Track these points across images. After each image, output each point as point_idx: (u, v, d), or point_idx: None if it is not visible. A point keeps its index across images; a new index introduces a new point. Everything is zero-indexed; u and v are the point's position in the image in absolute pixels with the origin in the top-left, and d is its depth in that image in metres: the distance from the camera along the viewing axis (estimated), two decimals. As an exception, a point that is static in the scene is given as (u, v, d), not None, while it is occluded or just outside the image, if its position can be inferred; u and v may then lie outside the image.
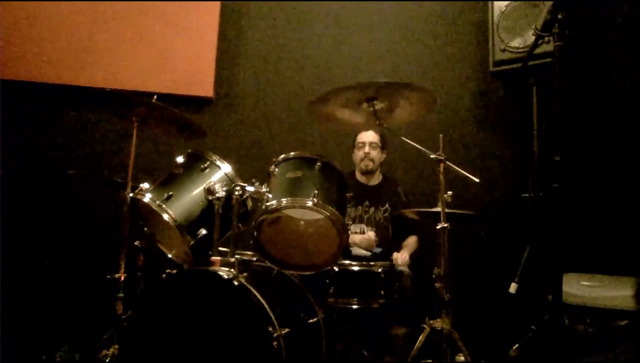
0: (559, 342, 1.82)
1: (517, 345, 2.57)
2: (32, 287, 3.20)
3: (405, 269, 2.68)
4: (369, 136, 3.06)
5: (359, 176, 3.15)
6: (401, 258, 2.78)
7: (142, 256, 2.54)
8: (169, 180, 2.27)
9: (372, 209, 3.06)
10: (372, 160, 3.07)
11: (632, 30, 3.10)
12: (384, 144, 3.11)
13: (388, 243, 3.01)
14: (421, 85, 2.22)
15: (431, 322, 2.31)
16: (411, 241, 3.05)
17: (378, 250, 2.93)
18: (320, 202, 2.08)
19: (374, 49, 3.73)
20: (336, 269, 2.36)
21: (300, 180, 2.20)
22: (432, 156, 2.31)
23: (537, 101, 2.96)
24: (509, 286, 2.73)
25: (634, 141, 3.00)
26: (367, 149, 3.05)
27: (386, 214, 3.06)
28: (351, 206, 2.99)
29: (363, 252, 2.87)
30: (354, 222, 3.02)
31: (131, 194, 2.26)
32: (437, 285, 2.29)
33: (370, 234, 2.91)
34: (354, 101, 2.27)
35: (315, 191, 2.08)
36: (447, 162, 2.33)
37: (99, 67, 3.47)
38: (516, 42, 3.11)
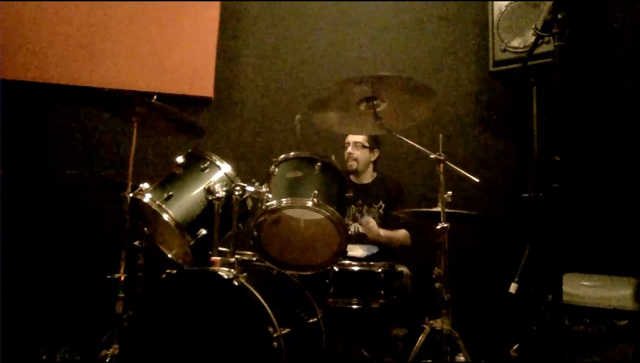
0: (559, 342, 1.82)
1: (517, 345, 2.57)
2: (32, 287, 3.20)
3: (405, 269, 2.67)
4: (353, 136, 3.05)
5: (352, 176, 3.15)
6: (371, 224, 2.81)
7: (142, 256, 2.54)
8: (169, 180, 2.27)
9: (365, 208, 3.05)
10: (355, 160, 3.05)
11: (632, 29, 3.10)
12: (373, 144, 3.09)
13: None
14: (415, 79, 2.22)
15: (431, 322, 2.31)
16: (401, 232, 2.98)
17: (374, 249, 2.92)
18: (320, 202, 2.07)
19: (374, 49, 3.72)
20: (336, 269, 2.36)
21: (300, 180, 2.20)
22: (432, 156, 2.31)
23: (537, 101, 2.95)
24: (509, 286, 2.73)
25: (634, 140, 2.99)
26: (350, 149, 3.05)
27: (380, 210, 3.05)
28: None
29: (359, 253, 2.87)
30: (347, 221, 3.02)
31: (131, 194, 2.26)
32: (437, 285, 2.29)
33: (367, 219, 2.89)
34: (353, 99, 2.27)
35: (315, 191, 2.08)
36: (447, 162, 2.33)
37: (99, 67, 3.47)
38: (516, 42, 3.11)
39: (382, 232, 2.88)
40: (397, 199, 3.07)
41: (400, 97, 2.27)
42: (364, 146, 3.06)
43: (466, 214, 2.56)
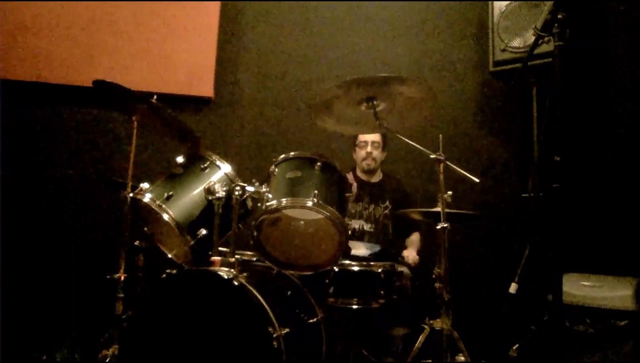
0: (559, 342, 1.82)
1: (517, 345, 2.57)
2: (32, 287, 3.20)
3: (405, 269, 2.68)
4: (371, 135, 3.06)
5: (359, 174, 3.16)
6: (412, 256, 2.81)
7: (142, 256, 2.54)
8: (169, 180, 2.28)
9: (372, 206, 3.06)
10: (374, 159, 3.07)
11: (632, 29, 3.10)
12: (385, 144, 3.12)
13: (387, 240, 3.02)
14: (417, 78, 2.22)
15: (431, 322, 2.32)
16: (414, 238, 3.06)
17: (377, 248, 2.93)
18: (320, 202, 2.08)
19: (374, 49, 3.72)
20: (336, 269, 2.35)
21: (300, 180, 2.20)
22: (432, 156, 2.32)
23: (537, 101, 2.96)
24: (509, 286, 2.73)
25: (634, 140, 3.00)
26: (369, 149, 3.05)
27: (386, 211, 3.06)
28: (351, 201, 2.99)
29: (362, 251, 2.88)
30: (353, 218, 3.02)
31: (131, 194, 2.26)
32: (437, 285, 2.29)
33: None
34: (354, 100, 2.27)
35: (315, 191, 2.09)
36: (447, 162, 2.33)
37: (99, 67, 3.46)
38: (516, 42, 3.11)
39: (415, 252, 2.89)
40: (403, 199, 3.10)
41: (400, 97, 2.27)
42: (380, 146, 3.09)
43: (466, 214, 2.56)
